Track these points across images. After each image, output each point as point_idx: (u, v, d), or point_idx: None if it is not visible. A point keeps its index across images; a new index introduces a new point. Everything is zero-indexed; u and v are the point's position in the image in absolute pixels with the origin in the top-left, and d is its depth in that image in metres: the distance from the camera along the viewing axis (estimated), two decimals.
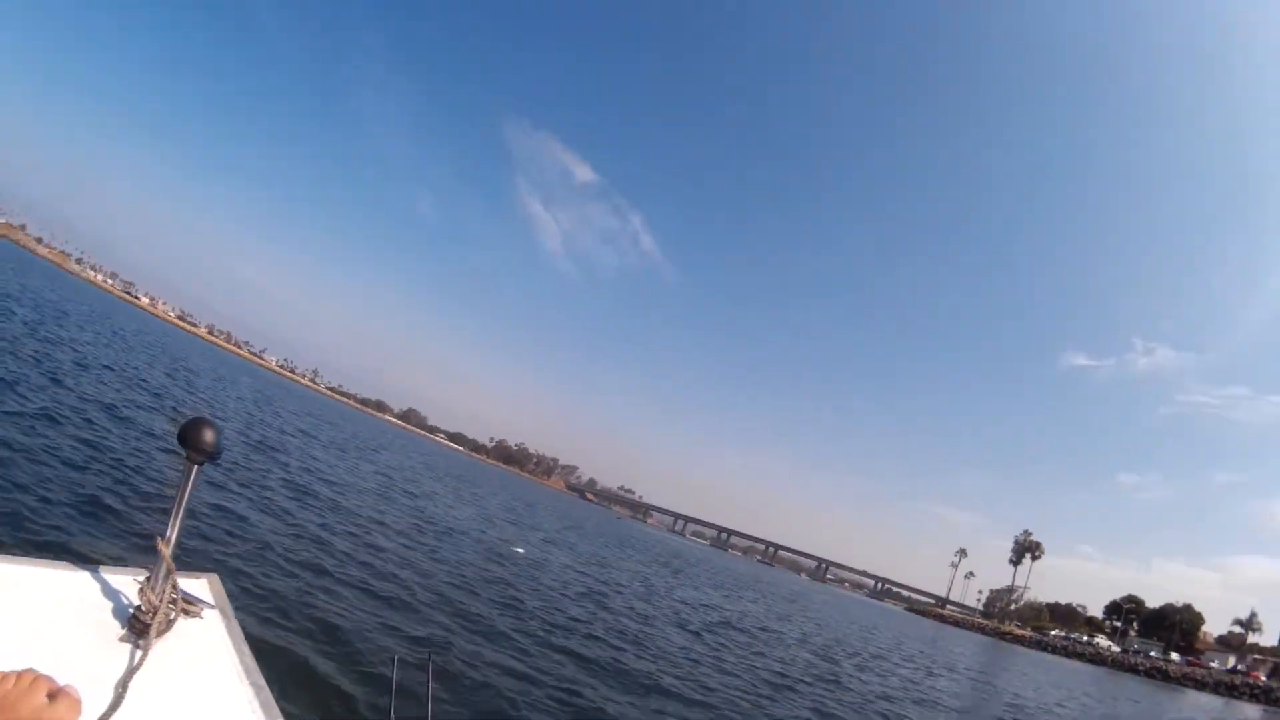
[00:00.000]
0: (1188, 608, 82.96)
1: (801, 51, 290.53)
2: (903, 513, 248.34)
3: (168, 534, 1.31)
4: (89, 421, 9.39)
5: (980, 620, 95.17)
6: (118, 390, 13.57)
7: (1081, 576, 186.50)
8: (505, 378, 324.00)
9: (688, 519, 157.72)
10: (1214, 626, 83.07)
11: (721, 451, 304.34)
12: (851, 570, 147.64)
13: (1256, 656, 71.01)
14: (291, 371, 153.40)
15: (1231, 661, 70.27)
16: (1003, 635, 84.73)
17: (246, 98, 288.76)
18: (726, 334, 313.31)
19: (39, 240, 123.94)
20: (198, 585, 1.49)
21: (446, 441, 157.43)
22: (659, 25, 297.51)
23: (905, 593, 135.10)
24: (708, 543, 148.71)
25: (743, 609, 20.50)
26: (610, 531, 46.80)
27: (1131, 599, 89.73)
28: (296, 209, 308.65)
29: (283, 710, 1.23)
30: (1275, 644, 73.77)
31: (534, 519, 27.83)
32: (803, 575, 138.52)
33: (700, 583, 26.22)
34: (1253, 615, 75.14)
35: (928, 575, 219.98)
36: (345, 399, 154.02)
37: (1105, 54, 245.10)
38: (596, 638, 8.81)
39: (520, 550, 14.45)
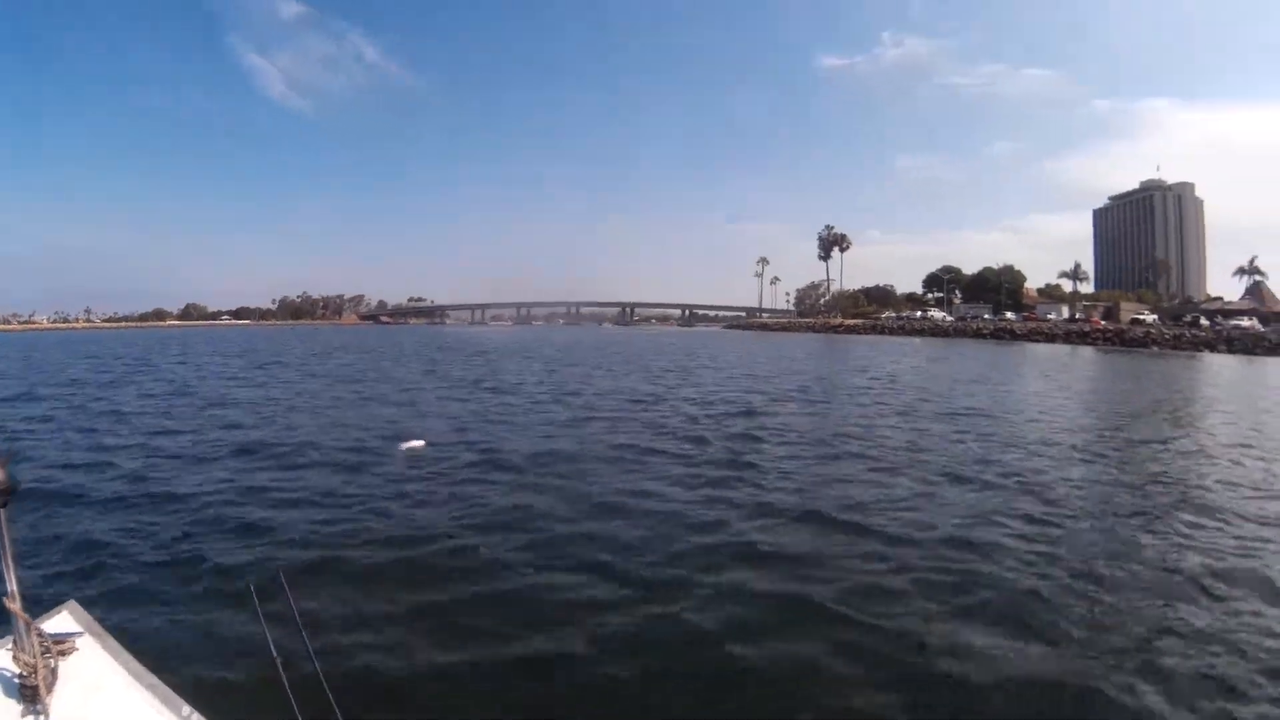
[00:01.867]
0: (1008, 268, 77.93)
1: None
2: (700, 239, 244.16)
3: (8, 588, 1.22)
4: None
5: (805, 320, 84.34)
6: None
7: (885, 261, 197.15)
8: (274, 238, 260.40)
9: (484, 307, 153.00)
10: (1031, 283, 79.67)
11: (504, 225, 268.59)
12: (656, 305, 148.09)
13: (1086, 304, 66.90)
14: (65, 321, 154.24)
15: (1066, 311, 65.25)
16: (834, 329, 73.68)
17: None
18: (482, 112, 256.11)
19: None
20: (61, 620, 1.42)
21: (232, 320, 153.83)
22: None
23: (715, 313, 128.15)
24: (510, 323, 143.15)
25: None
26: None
27: (949, 269, 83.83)
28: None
29: (184, 697, 1.23)
30: (1094, 290, 70.49)
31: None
32: (606, 325, 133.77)
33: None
34: (1077, 266, 71.14)
35: (736, 294, 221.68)
36: (123, 324, 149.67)
37: None
38: None
39: (418, 444, 9.19)
